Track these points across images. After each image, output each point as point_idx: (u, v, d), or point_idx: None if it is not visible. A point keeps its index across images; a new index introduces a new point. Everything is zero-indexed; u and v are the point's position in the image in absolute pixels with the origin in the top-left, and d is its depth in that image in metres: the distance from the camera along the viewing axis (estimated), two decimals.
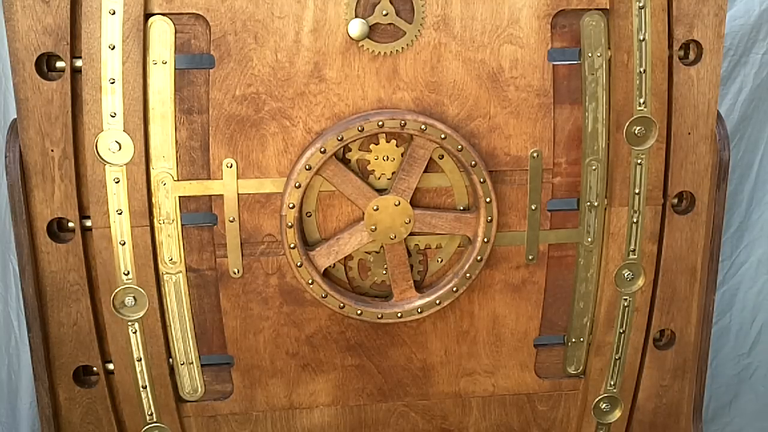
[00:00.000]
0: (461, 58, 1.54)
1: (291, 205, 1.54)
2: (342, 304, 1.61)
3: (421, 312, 1.63)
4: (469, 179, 1.58)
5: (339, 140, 1.51)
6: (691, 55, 1.58)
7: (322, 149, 1.51)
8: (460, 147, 1.54)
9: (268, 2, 1.48)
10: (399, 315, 1.63)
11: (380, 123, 1.51)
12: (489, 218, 1.58)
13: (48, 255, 1.54)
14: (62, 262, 1.55)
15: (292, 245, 1.56)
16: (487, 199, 1.57)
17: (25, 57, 1.43)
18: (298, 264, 1.57)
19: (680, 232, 1.66)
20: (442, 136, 1.53)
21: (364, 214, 1.58)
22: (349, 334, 1.67)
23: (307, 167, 1.52)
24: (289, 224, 1.55)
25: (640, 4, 1.51)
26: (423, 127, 1.52)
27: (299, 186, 1.53)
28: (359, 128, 1.51)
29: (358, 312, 1.62)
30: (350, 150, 1.58)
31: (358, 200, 1.58)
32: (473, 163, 1.55)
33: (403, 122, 1.51)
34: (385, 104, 1.55)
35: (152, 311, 1.59)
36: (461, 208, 1.63)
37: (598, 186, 1.62)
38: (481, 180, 1.56)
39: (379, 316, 1.63)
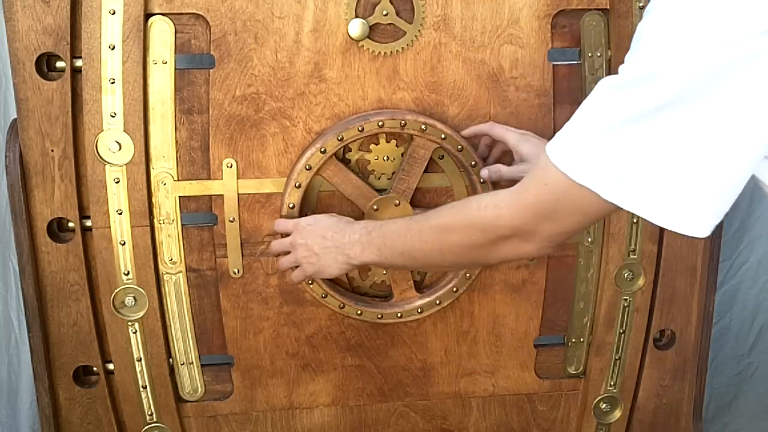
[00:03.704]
0: (461, 58, 1.54)
1: (291, 206, 1.54)
2: (342, 304, 1.61)
3: (421, 312, 1.63)
4: (469, 179, 1.58)
5: (339, 140, 1.51)
6: None
7: (322, 149, 1.51)
8: (460, 147, 1.54)
9: (268, 2, 1.48)
10: (399, 315, 1.63)
11: (380, 123, 1.51)
12: None
13: (48, 255, 1.54)
14: (62, 262, 1.55)
15: None
16: None
17: (25, 57, 1.43)
18: None
19: None
20: (443, 136, 1.53)
21: (364, 214, 1.58)
22: (349, 334, 1.67)
23: (307, 167, 1.52)
24: None
25: (640, 4, 1.51)
26: (423, 127, 1.52)
27: (299, 186, 1.53)
28: (359, 128, 1.51)
29: (358, 312, 1.62)
30: (350, 150, 1.58)
31: (358, 200, 1.58)
32: (473, 163, 1.55)
33: (403, 122, 1.51)
34: (385, 104, 1.55)
35: (152, 311, 1.59)
36: None
37: None
38: (482, 180, 1.56)
39: (379, 316, 1.63)
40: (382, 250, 1.35)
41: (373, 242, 1.36)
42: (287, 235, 1.52)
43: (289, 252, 1.51)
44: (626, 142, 0.98)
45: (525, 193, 1.11)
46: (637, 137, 0.97)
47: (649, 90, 0.95)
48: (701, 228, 1.00)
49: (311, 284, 1.59)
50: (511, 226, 1.13)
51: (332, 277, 1.50)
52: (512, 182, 1.52)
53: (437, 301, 1.63)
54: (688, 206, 0.99)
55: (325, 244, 1.44)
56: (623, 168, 0.99)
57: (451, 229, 1.22)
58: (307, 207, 1.59)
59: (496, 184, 1.58)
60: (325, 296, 1.60)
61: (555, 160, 1.04)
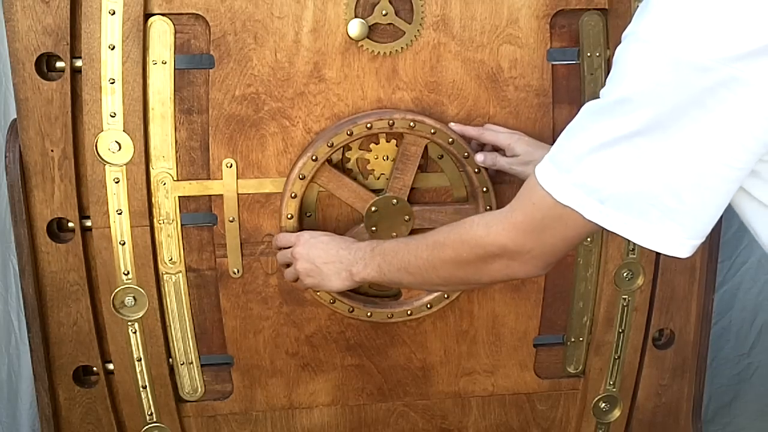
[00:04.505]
0: (460, 58, 1.54)
1: (289, 216, 1.54)
2: (351, 308, 1.61)
3: (430, 308, 1.63)
4: (468, 178, 1.58)
5: (329, 146, 1.51)
6: None
7: (314, 157, 1.51)
8: (451, 140, 1.53)
9: (267, 2, 1.48)
10: (409, 313, 1.63)
11: (368, 125, 1.51)
12: (488, 207, 1.58)
13: (48, 255, 1.54)
14: (62, 262, 1.55)
15: None
16: (484, 189, 1.57)
17: (25, 57, 1.44)
18: None
19: None
20: (432, 131, 1.52)
21: (363, 216, 1.58)
22: (348, 334, 1.67)
23: (300, 176, 1.52)
24: None
25: (639, 4, 1.51)
26: (411, 124, 1.51)
27: (295, 196, 1.53)
28: (348, 132, 1.51)
29: (368, 314, 1.62)
30: (350, 149, 1.58)
31: (356, 203, 1.58)
32: (466, 154, 1.55)
33: (391, 122, 1.51)
34: (384, 104, 1.55)
35: (152, 311, 1.59)
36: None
37: None
38: (476, 170, 1.55)
39: (390, 315, 1.63)
40: (382, 266, 1.36)
41: (374, 259, 1.38)
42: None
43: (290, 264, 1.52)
44: (606, 164, 1.01)
45: (514, 213, 1.13)
46: (616, 160, 1.00)
47: (625, 115, 0.98)
48: (682, 249, 1.03)
49: (318, 291, 1.59)
50: (499, 244, 1.15)
51: (333, 291, 1.51)
52: (505, 174, 1.55)
53: (445, 295, 1.62)
54: (668, 228, 1.01)
55: (328, 258, 1.45)
56: (604, 189, 1.01)
57: (444, 245, 1.24)
58: (307, 208, 1.59)
59: (496, 185, 1.58)
60: (334, 302, 1.60)
61: (541, 180, 1.07)
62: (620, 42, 1.03)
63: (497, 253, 1.16)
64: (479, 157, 1.54)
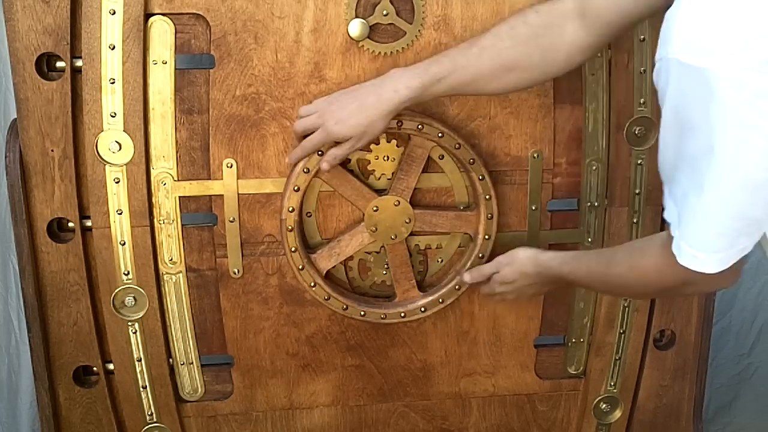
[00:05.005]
0: None
1: (291, 209, 1.54)
2: (345, 306, 1.61)
3: (424, 311, 1.63)
4: (468, 177, 1.58)
5: (336, 142, 1.51)
6: None
7: (319, 152, 1.51)
8: (457, 145, 1.53)
9: (268, 2, 1.47)
10: (402, 315, 1.63)
11: None
12: (489, 215, 1.58)
13: (48, 255, 1.54)
14: (62, 262, 1.55)
15: (293, 249, 1.56)
16: (487, 196, 1.57)
17: (25, 57, 1.43)
18: (300, 267, 1.57)
19: None
20: (440, 134, 1.52)
21: (364, 215, 1.58)
22: (349, 334, 1.67)
23: (305, 170, 1.52)
24: (290, 228, 1.55)
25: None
26: (420, 126, 1.51)
27: (298, 189, 1.53)
28: None
29: (362, 313, 1.62)
30: None
31: (358, 202, 1.57)
32: (471, 160, 1.55)
33: (399, 122, 1.50)
34: None
35: (152, 311, 1.59)
36: (461, 208, 1.62)
37: (599, 186, 1.62)
38: (480, 177, 1.55)
39: (383, 316, 1.63)
40: (580, 281, 1.47)
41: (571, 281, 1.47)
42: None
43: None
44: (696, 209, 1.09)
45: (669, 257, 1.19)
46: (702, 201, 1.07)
47: (678, 135, 1.04)
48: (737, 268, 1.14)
49: (314, 287, 1.59)
50: (682, 280, 1.21)
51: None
52: (506, 175, 1.58)
53: (440, 300, 1.62)
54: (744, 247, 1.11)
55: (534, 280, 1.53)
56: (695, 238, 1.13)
57: (631, 287, 1.35)
58: (307, 207, 1.59)
59: (497, 184, 1.58)
60: (328, 299, 1.60)
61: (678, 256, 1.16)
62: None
63: (678, 285, 1.23)
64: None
